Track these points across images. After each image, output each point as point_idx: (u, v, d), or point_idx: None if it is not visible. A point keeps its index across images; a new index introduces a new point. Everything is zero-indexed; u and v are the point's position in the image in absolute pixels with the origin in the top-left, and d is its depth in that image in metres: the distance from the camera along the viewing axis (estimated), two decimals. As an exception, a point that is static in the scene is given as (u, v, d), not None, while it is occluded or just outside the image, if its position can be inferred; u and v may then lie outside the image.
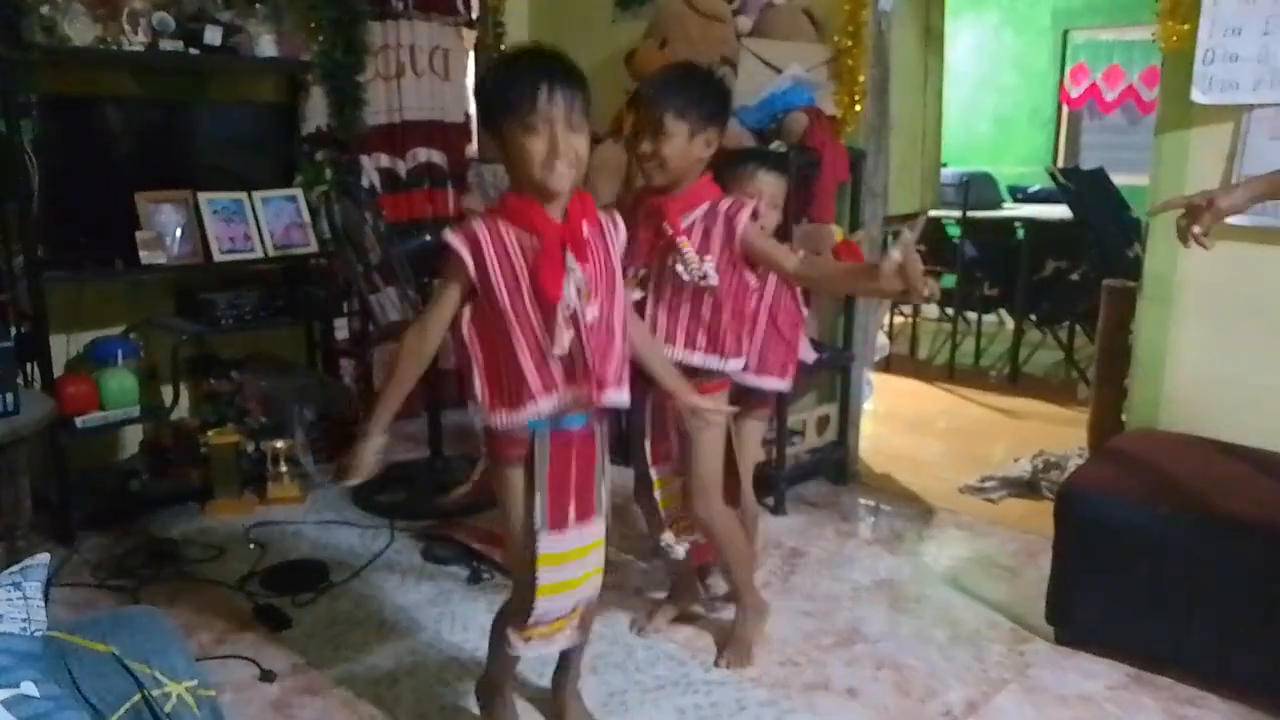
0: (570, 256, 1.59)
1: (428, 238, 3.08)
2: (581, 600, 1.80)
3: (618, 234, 1.73)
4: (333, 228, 3.20)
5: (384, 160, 3.86)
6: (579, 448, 1.73)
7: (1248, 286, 2.59)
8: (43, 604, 1.28)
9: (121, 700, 1.27)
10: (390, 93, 3.84)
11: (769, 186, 2.30)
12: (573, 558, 1.74)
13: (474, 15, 4.16)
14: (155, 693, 1.29)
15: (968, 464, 3.63)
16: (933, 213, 4.86)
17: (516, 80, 1.56)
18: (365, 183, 3.51)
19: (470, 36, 4.16)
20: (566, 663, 1.98)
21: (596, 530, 1.79)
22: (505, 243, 1.60)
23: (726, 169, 2.25)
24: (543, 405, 1.63)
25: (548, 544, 1.71)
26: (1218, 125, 2.58)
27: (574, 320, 1.60)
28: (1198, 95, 2.57)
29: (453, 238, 1.61)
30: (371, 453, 1.70)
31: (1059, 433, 3.92)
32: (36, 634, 1.23)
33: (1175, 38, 2.59)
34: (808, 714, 2.09)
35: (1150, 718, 2.08)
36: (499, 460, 1.73)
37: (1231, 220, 2.55)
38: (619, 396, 1.70)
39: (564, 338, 1.59)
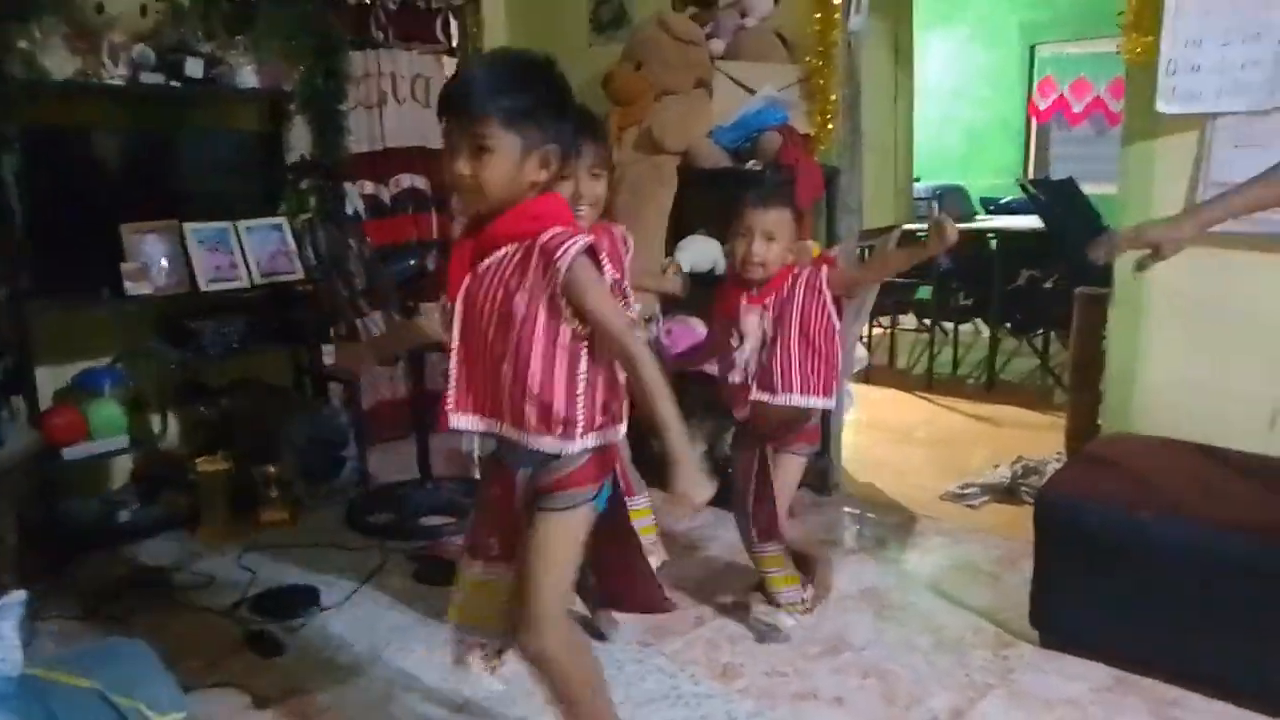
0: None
1: (412, 261, 3.12)
2: None
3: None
4: (318, 254, 3.23)
5: (368, 187, 3.92)
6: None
7: (1216, 290, 2.65)
8: (18, 644, 1.29)
9: (104, 737, 1.27)
10: (372, 120, 3.92)
11: (757, 221, 2.24)
12: None
13: (453, 44, 4.22)
14: (140, 727, 1.31)
15: (948, 472, 3.68)
16: (907, 226, 4.94)
17: None
18: (349, 209, 3.55)
19: (450, 64, 4.21)
20: None
21: None
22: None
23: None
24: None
25: None
26: (1182, 134, 2.65)
27: None
28: (1162, 105, 2.63)
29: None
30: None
31: (1037, 438, 3.98)
32: (11, 674, 1.25)
33: (1139, 49, 2.65)
34: (797, 722, 2.12)
35: (1135, 719, 2.13)
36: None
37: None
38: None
39: None
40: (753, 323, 2.29)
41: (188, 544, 3.09)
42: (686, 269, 3.22)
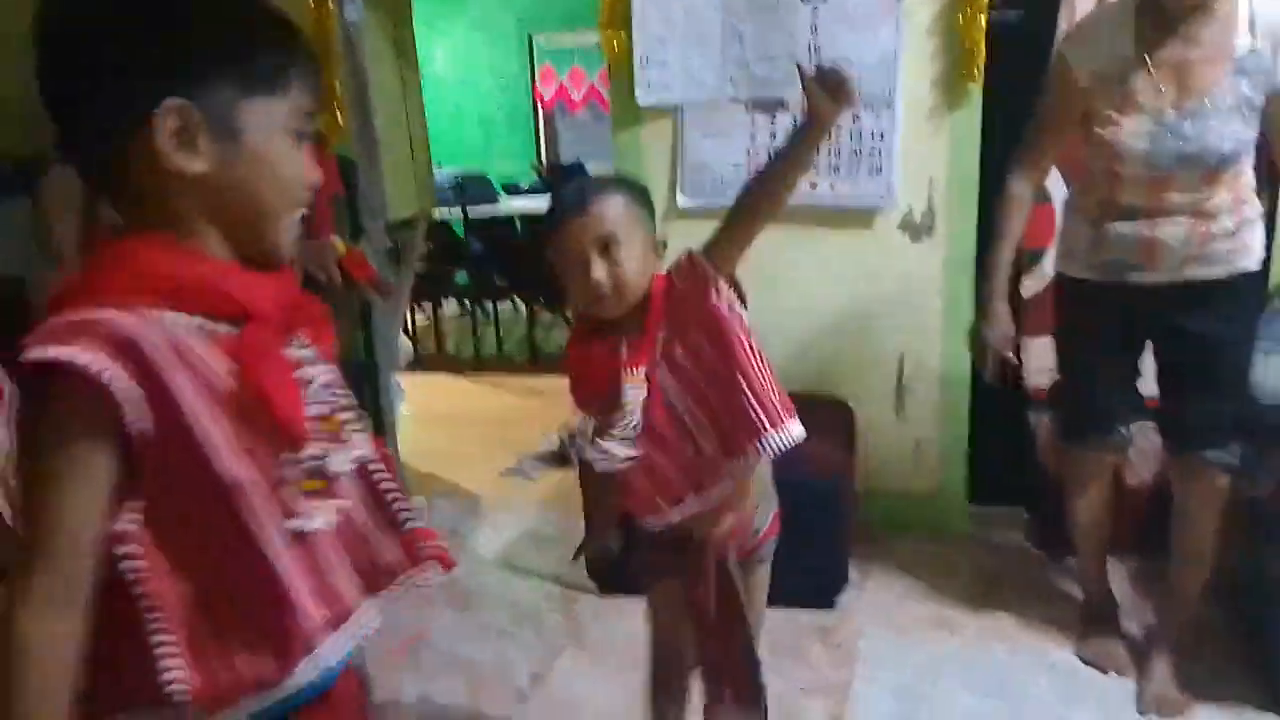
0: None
1: None
2: None
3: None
4: None
5: None
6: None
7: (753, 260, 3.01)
8: None
9: None
10: None
11: (582, 231, 1.43)
12: None
13: None
14: None
15: (506, 448, 3.80)
16: (435, 216, 4.99)
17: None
18: None
19: None
20: None
21: None
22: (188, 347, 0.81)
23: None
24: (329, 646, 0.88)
25: None
26: (660, 122, 2.91)
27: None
28: (640, 96, 2.88)
29: (78, 351, 0.74)
30: None
31: (581, 404, 4.27)
32: None
33: (616, 43, 2.87)
34: (385, 732, 2.08)
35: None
36: None
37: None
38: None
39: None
40: (637, 397, 1.43)
41: None
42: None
